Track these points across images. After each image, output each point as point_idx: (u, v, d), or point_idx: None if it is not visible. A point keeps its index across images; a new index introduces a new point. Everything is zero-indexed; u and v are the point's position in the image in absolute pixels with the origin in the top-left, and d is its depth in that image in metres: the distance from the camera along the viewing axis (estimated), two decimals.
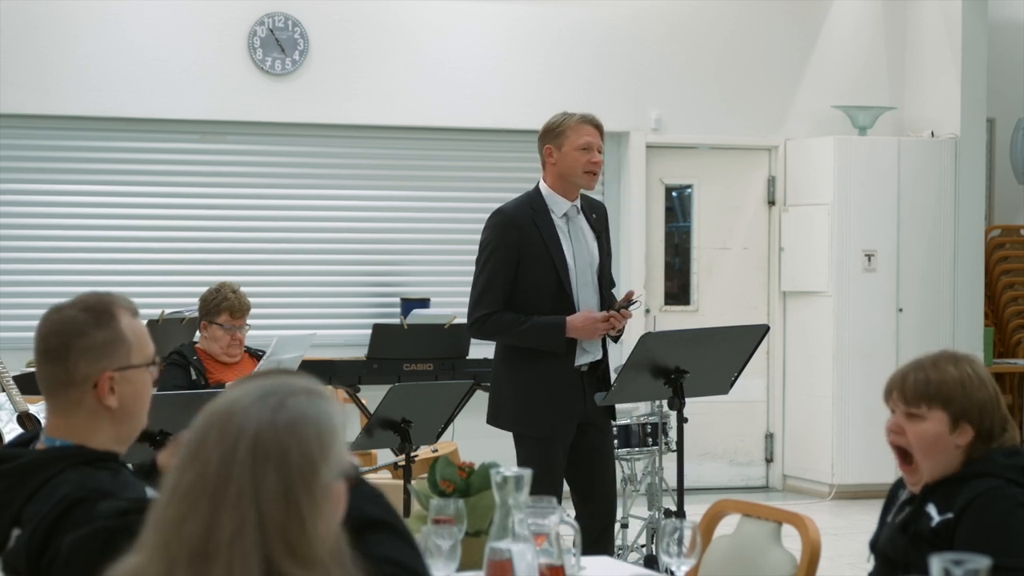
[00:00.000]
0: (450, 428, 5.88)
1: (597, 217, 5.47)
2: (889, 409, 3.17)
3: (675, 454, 5.63)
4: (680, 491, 5.56)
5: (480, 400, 6.21)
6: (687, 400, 5.31)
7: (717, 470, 9.91)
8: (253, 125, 9.06)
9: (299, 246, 9.17)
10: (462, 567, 2.92)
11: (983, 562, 1.90)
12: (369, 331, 8.72)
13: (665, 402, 6.57)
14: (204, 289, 6.48)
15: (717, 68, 9.78)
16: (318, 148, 9.20)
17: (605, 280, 5.44)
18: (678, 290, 9.93)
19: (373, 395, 5.69)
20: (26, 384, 5.52)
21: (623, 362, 5.39)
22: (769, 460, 10.04)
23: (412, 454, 5.44)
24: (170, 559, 1.83)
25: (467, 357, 8.79)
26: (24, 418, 5.02)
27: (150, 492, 2.72)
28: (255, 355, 6.44)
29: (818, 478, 9.63)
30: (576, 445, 5.32)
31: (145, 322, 2.88)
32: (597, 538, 5.29)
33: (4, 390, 5.29)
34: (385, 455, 6.42)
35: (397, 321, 8.78)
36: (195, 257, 8.95)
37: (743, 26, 9.81)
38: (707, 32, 9.75)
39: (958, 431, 3.08)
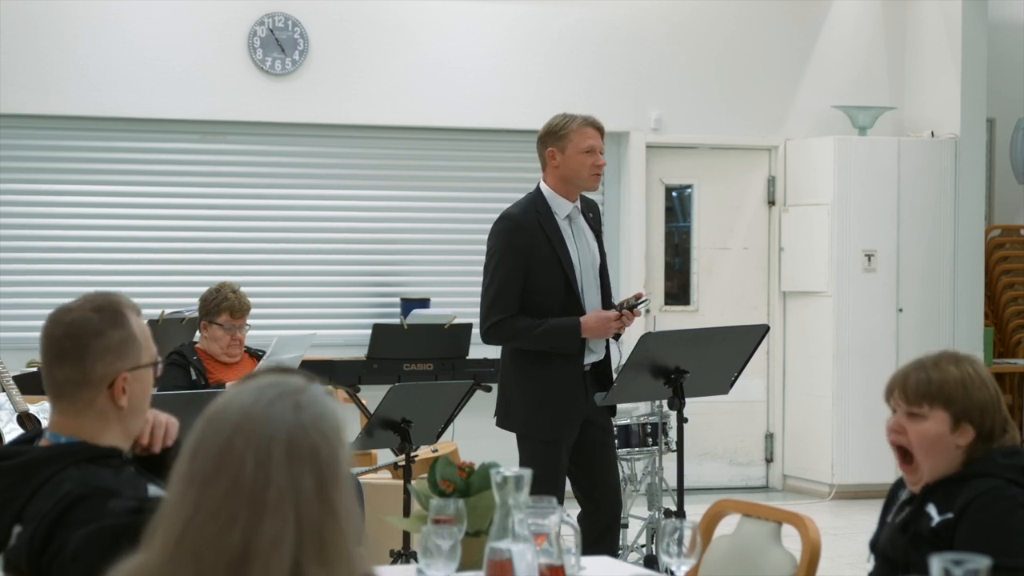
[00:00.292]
0: (450, 428, 5.88)
1: (593, 216, 5.52)
2: (890, 408, 3.18)
3: (675, 454, 5.64)
4: (680, 491, 5.56)
5: (480, 400, 6.21)
6: (687, 400, 5.31)
7: (717, 470, 9.91)
8: (253, 125, 9.05)
9: (299, 246, 9.17)
10: (462, 567, 2.92)
11: (983, 562, 1.90)
12: (369, 331, 8.72)
13: (665, 402, 6.57)
14: (204, 289, 6.48)
15: (717, 68, 9.78)
16: (318, 148, 9.19)
17: (606, 279, 5.48)
18: (678, 290, 9.93)
19: (373, 395, 5.69)
20: (26, 384, 5.52)
21: (623, 362, 5.40)
22: (769, 460, 10.04)
23: (412, 454, 5.44)
24: (203, 568, 1.82)
25: (467, 357, 8.79)
26: (24, 418, 5.02)
27: (152, 489, 2.73)
28: (255, 355, 6.44)
29: (818, 478, 9.63)
30: (578, 444, 5.34)
31: (145, 322, 2.89)
32: (601, 535, 5.32)
33: (4, 390, 5.29)
34: (385, 455, 6.42)
35: (397, 321, 8.78)
36: (195, 257, 8.95)
37: (743, 26, 9.81)
38: (707, 32, 9.75)
39: (959, 431, 3.09)
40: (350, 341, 9.04)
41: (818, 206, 9.57)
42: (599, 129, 5.44)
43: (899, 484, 3.26)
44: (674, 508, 5.68)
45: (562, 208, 5.39)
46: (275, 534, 1.82)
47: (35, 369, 6.91)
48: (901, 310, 9.54)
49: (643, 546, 6.90)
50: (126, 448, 2.80)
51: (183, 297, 8.29)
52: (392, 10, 9.19)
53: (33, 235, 8.73)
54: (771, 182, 9.96)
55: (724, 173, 9.96)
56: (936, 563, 1.91)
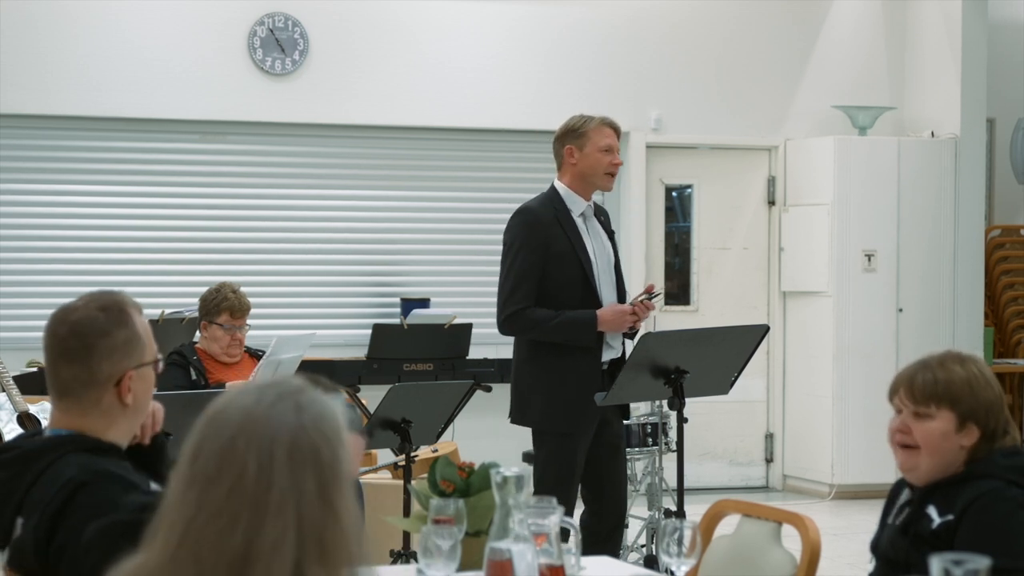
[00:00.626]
0: (450, 428, 5.87)
1: (604, 220, 5.64)
2: (894, 408, 3.17)
3: (675, 454, 5.64)
4: (680, 491, 5.56)
5: (480, 400, 6.21)
6: (687, 400, 5.32)
7: (717, 470, 9.91)
8: (253, 125, 9.05)
9: (299, 246, 9.16)
10: (462, 567, 2.92)
11: (983, 562, 1.90)
12: (369, 331, 8.73)
13: (665, 402, 6.57)
14: (204, 289, 6.48)
15: (717, 68, 9.78)
16: (318, 148, 9.19)
17: (621, 278, 5.59)
18: (678, 290, 9.92)
19: (373, 395, 5.69)
20: (26, 384, 5.52)
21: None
22: (769, 460, 10.04)
23: (412, 454, 5.44)
24: (204, 569, 1.81)
25: (467, 357, 8.80)
26: (24, 418, 5.03)
27: (153, 485, 2.74)
28: (255, 355, 6.44)
29: (818, 478, 9.63)
30: (593, 445, 5.42)
31: (146, 320, 2.90)
32: (607, 536, 5.37)
33: (4, 390, 5.29)
34: (385, 455, 6.41)
35: (397, 321, 8.78)
36: (195, 257, 8.95)
37: (743, 26, 9.81)
38: (707, 32, 9.75)
39: (964, 431, 3.09)
40: (350, 341, 9.04)
41: (818, 206, 9.57)
42: (616, 130, 5.57)
43: (899, 485, 3.26)
44: (674, 508, 5.69)
45: (577, 205, 5.49)
46: (277, 536, 1.82)
47: (35, 369, 6.91)
48: (901, 310, 9.54)
49: (643, 546, 6.90)
50: (124, 446, 2.81)
51: (183, 297, 8.28)
52: (392, 10, 9.19)
53: (33, 235, 8.72)
54: (771, 182, 9.96)
55: (724, 173, 9.96)
56: (936, 563, 1.91)
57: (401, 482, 5.60)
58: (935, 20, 9.77)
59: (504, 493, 2.83)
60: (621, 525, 5.60)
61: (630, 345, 5.65)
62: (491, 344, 9.06)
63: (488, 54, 9.36)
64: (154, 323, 7.18)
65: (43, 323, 2.86)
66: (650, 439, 6.84)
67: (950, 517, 3.03)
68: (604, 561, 3.75)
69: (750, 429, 10.00)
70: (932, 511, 3.07)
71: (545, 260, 5.38)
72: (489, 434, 8.58)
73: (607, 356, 5.41)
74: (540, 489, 5.35)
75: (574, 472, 5.35)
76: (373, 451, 6.86)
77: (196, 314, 6.56)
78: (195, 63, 8.85)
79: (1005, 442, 3.11)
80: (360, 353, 8.83)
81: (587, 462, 5.42)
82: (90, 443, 2.73)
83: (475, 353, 8.83)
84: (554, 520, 2.90)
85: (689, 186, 9.95)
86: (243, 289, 6.47)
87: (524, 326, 5.40)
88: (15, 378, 5.40)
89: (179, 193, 8.96)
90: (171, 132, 8.93)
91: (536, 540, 2.86)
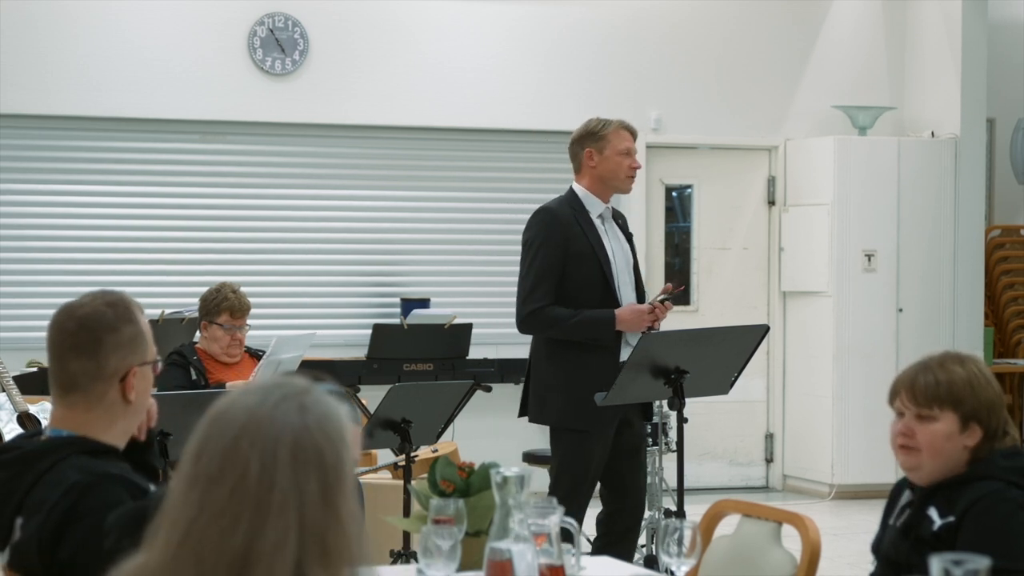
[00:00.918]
0: (450, 428, 5.87)
1: (622, 223, 5.70)
2: (895, 411, 3.17)
3: (675, 454, 5.64)
4: (680, 491, 5.56)
5: (480, 400, 6.21)
6: (687, 400, 5.32)
7: (717, 470, 9.91)
8: (253, 125, 9.05)
9: (299, 246, 9.16)
10: (462, 567, 2.92)
11: (983, 562, 1.90)
12: (369, 331, 8.72)
13: (665, 402, 6.57)
14: (204, 289, 6.47)
15: (717, 68, 9.78)
16: (318, 148, 9.19)
17: (640, 278, 5.65)
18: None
19: (373, 395, 5.69)
20: (26, 384, 5.52)
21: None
22: (769, 460, 10.04)
23: (412, 454, 5.44)
24: (205, 569, 1.81)
25: (467, 357, 8.79)
26: (24, 418, 5.03)
27: (152, 486, 2.74)
28: (255, 355, 6.43)
29: (818, 478, 9.63)
30: (615, 445, 5.45)
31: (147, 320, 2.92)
32: (622, 537, 5.41)
33: (4, 390, 5.29)
34: (385, 455, 6.41)
35: (397, 321, 8.78)
36: (195, 257, 8.95)
37: (743, 26, 9.81)
38: (707, 32, 9.75)
39: (968, 431, 3.09)
40: (350, 341, 9.04)
41: (818, 206, 9.57)
42: (633, 133, 5.67)
43: (900, 486, 3.26)
44: (674, 508, 5.69)
45: (595, 207, 5.55)
46: (278, 537, 1.81)
47: (35, 369, 6.91)
48: (901, 310, 9.54)
49: (643, 546, 6.89)
50: (121, 447, 2.82)
51: (183, 297, 8.28)
52: (392, 10, 9.19)
53: (33, 235, 8.72)
54: (771, 182, 9.96)
55: (724, 173, 9.96)
56: (936, 563, 1.90)
57: (401, 482, 5.60)
58: (935, 20, 9.77)
59: (504, 493, 2.83)
60: (636, 527, 5.64)
61: None
62: (491, 344, 9.07)
63: (488, 54, 9.36)
64: (154, 323, 7.18)
65: (43, 323, 2.88)
66: (650, 439, 6.83)
67: (951, 519, 3.03)
68: (604, 561, 3.75)
69: (750, 429, 10.00)
70: (933, 512, 3.07)
71: (564, 259, 5.42)
72: (489, 434, 8.59)
73: (625, 355, 5.42)
74: (556, 487, 5.42)
75: (589, 471, 5.38)
76: (373, 451, 6.86)
77: (196, 314, 6.56)
78: (195, 63, 8.85)
79: (1005, 443, 3.11)
80: (360, 353, 8.82)
81: (611, 464, 5.47)
82: (90, 445, 2.75)
83: (475, 353, 8.82)
84: (554, 520, 2.90)
85: (689, 186, 9.95)
86: (243, 289, 6.47)
87: (543, 324, 5.44)
88: (15, 378, 5.40)
89: (179, 193, 8.96)
90: (171, 132, 8.93)
91: (536, 540, 2.86)
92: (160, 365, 2.88)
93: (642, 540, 6.95)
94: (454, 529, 2.91)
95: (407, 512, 5.41)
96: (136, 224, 8.88)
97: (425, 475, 3.69)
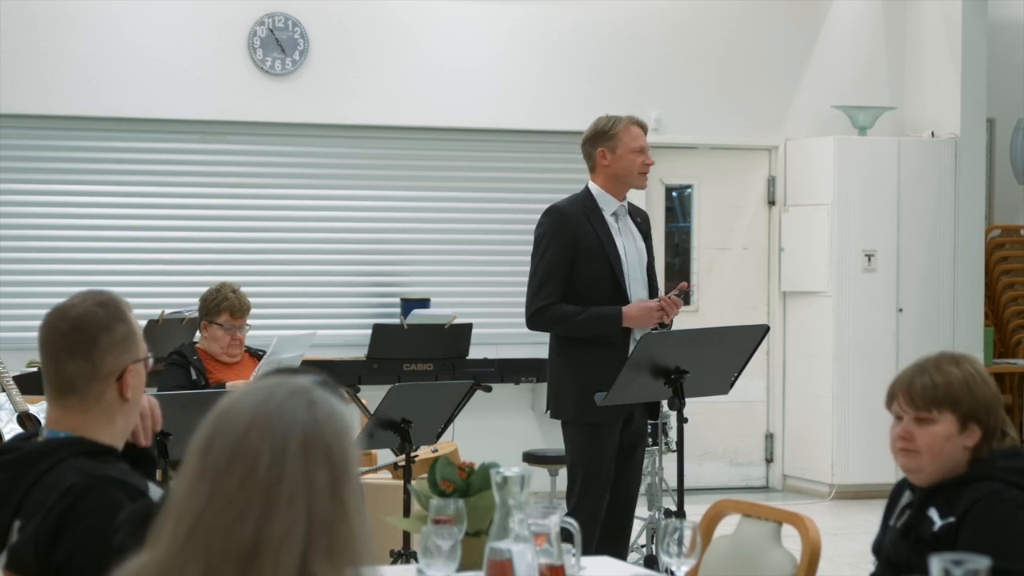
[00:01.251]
0: (450, 428, 5.87)
1: (642, 222, 5.69)
2: (892, 414, 3.16)
3: (675, 454, 5.64)
4: (680, 491, 5.56)
5: (480, 400, 6.21)
6: (687, 400, 5.32)
7: (717, 470, 9.91)
8: (253, 125, 9.05)
9: (299, 246, 9.16)
10: (462, 567, 2.92)
11: (983, 562, 1.90)
12: (369, 331, 8.72)
13: (665, 402, 6.57)
14: (204, 289, 6.47)
15: (717, 68, 9.78)
16: (318, 148, 9.19)
17: (653, 277, 5.65)
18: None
19: (373, 395, 5.69)
20: (26, 384, 5.52)
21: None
22: (769, 460, 10.04)
23: (412, 454, 5.44)
24: (213, 561, 1.82)
25: (467, 357, 8.80)
26: (24, 418, 5.03)
27: (152, 487, 2.74)
28: (255, 355, 6.44)
29: (818, 478, 9.62)
30: (619, 442, 5.46)
31: (145, 322, 2.92)
32: (616, 534, 5.43)
33: (4, 390, 5.29)
34: (385, 455, 6.41)
35: (397, 321, 8.78)
36: (195, 257, 8.95)
37: (743, 26, 9.81)
38: (707, 32, 9.75)
39: (967, 432, 3.09)
40: (350, 341, 9.04)
41: (818, 206, 9.57)
42: (644, 128, 5.62)
43: (900, 487, 3.26)
44: (674, 508, 5.69)
45: (609, 205, 5.55)
46: (286, 527, 1.82)
47: (35, 369, 6.91)
48: (901, 310, 9.54)
49: (643, 546, 6.90)
50: (119, 447, 2.82)
51: (183, 297, 8.29)
52: (392, 10, 9.19)
53: (33, 235, 8.72)
54: (771, 182, 9.97)
55: (724, 173, 9.96)
56: (936, 563, 1.91)
57: (401, 482, 5.60)
58: (935, 20, 9.77)
59: (504, 493, 2.83)
60: (629, 526, 5.63)
61: None
62: (491, 344, 9.07)
63: (488, 54, 9.36)
64: (154, 323, 7.23)
65: (43, 321, 2.87)
66: (650, 439, 6.84)
67: (951, 519, 3.03)
68: (604, 561, 3.75)
69: (750, 429, 10.00)
70: (933, 513, 3.07)
71: (573, 256, 5.44)
72: (489, 434, 8.59)
73: None
74: (571, 481, 5.48)
75: (602, 461, 5.40)
76: (373, 451, 6.86)
77: (196, 314, 6.56)
78: (195, 63, 8.85)
79: (1004, 443, 3.11)
80: (360, 353, 8.83)
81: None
82: (89, 447, 2.75)
83: (475, 353, 8.83)
84: (554, 520, 2.90)
85: (689, 186, 9.95)
86: (243, 289, 6.47)
87: (550, 322, 5.47)
88: (15, 378, 5.40)
89: (179, 193, 8.96)
90: (171, 132, 8.93)
91: (536, 540, 2.86)
92: (151, 362, 2.88)
93: (642, 540, 6.96)
94: (454, 529, 2.91)
95: (407, 512, 5.41)
96: (136, 224, 8.88)
97: (425, 475, 3.69)
